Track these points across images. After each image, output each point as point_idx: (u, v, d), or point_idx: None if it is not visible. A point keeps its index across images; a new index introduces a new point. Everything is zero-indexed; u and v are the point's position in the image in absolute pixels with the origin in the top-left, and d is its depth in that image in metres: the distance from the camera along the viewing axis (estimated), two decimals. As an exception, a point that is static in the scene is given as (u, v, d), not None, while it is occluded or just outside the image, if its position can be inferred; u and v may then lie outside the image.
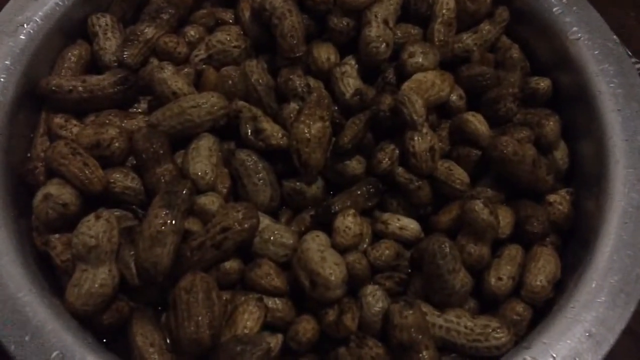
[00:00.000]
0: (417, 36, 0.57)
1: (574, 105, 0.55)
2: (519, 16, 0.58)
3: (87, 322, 0.45)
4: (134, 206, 0.49)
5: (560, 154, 0.54)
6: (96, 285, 0.44)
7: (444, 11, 0.56)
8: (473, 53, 0.57)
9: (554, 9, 0.56)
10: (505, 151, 0.50)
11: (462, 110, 0.55)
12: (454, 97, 0.55)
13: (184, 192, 0.46)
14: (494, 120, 0.54)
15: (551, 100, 0.57)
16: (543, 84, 0.56)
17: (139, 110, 0.54)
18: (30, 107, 0.52)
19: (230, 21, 0.59)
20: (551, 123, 0.53)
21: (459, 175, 0.51)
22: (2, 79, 0.50)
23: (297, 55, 0.53)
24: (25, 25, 0.52)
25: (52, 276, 0.47)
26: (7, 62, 0.51)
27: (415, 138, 0.50)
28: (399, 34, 0.56)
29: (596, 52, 0.54)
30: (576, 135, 0.55)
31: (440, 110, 0.55)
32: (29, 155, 0.51)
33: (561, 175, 0.54)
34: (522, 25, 0.58)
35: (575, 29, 0.55)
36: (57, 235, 0.47)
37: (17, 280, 0.43)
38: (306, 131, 0.49)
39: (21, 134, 0.51)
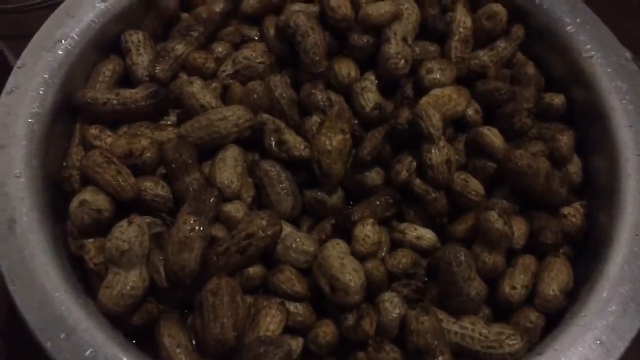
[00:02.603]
0: (434, 53, 0.59)
1: (587, 121, 0.57)
2: (534, 33, 0.60)
3: (118, 322, 0.47)
4: (163, 213, 0.51)
5: (574, 167, 0.56)
6: (127, 288, 0.46)
7: (460, 29, 0.59)
8: (489, 69, 0.59)
9: (568, 28, 0.58)
10: (520, 164, 0.52)
11: (478, 124, 0.57)
12: (470, 112, 0.57)
13: (211, 200, 0.48)
14: (509, 134, 0.56)
15: (565, 115, 0.58)
16: (557, 99, 0.58)
17: (169, 122, 0.56)
18: (66, 118, 0.55)
19: (256, 38, 0.61)
20: (565, 137, 0.55)
21: (475, 186, 0.53)
22: (41, 92, 0.53)
23: (319, 70, 0.55)
24: (62, 41, 0.55)
25: (85, 278, 0.49)
26: (45, 76, 0.53)
27: (432, 151, 0.52)
28: (417, 51, 0.58)
29: (609, 69, 0.56)
30: (589, 150, 0.57)
31: (456, 124, 0.57)
32: (64, 164, 0.54)
33: (575, 188, 0.56)
34: (537, 43, 0.60)
35: (588, 47, 0.57)
36: (90, 240, 0.49)
37: (53, 281, 0.45)
38: (327, 143, 0.52)
39: (57, 143, 0.54)
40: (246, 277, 0.49)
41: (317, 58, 0.55)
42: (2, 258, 0.46)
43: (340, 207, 0.54)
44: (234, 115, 0.52)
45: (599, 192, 0.55)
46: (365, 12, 0.57)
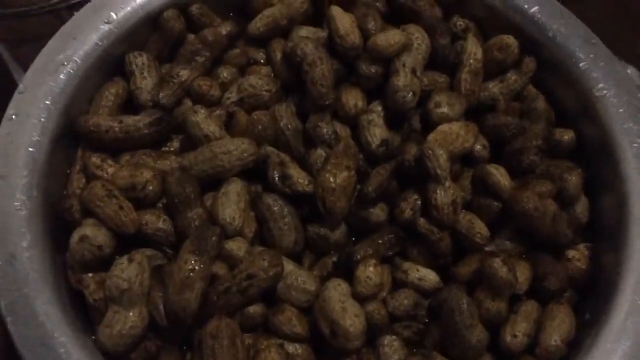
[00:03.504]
0: (443, 84, 0.58)
1: (597, 159, 0.56)
2: (546, 66, 0.59)
3: (117, 360, 0.47)
4: (164, 247, 0.51)
5: (581, 207, 0.55)
6: (127, 327, 0.46)
7: (471, 61, 0.58)
8: (499, 102, 0.58)
9: (581, 64, 0.57)
10: (526, 207, 0.51)
11: (486, 159, 0.56)
12: (478, 147, 0.56)
13: (213, 238, 0.48)
14: (516, 170, 0.55)
15: (575, 150, 0.58)
16: (567, 136, 0.57)
17: (172, 148, 0.56)
18: (68, 143, 0.54)
19: (262, 61, 0.60)
20: (573, 177, 0.54)
21: (480, 228, 0.52)
22: (42, 119, 0.52)
23: (326, 103, 0.54)
24: (65, 64, 0.54)
25: (84, 312, 0.49)
26: (47, 102, 0.52)
27: (438, 191, 0.51)
28: (425, 82, 0.57)
29: (621, 109, 0.55)
30: (597, 189, 0.56)
31: (463, 159, 0.56)
32: (65, 192, 0.53)
33: (581, 229, 0.55)
34: (548, 75, 0.59)
35: (601, 85, 0.56)
36: (90, 275, 0.49)
37: (53, 320, 0.45)
38: (332, 180, 0.51)
39: (59, 169, 0.53)
40: (246, 316, 0.49)
41: (324, 90, 0.54)
42: (1, 295, 0.45)
43: (343, 243, 0.53)
44: (238, 149, 0.52)
45: (605, 233, 0.54)
46: (374, 42, 0.56)
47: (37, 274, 0.47)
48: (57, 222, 0.51)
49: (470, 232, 0.52)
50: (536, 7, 0.59)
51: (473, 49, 0.58)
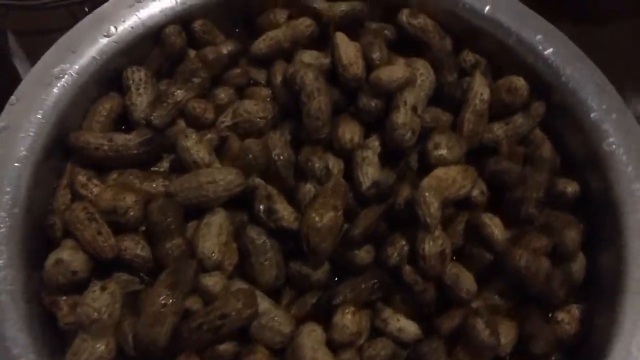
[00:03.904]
0: (446, 122, 0.56)
1: (599, 214, 0.53)
2: (556, 111, 0.56)
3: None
4: (141, 274, 0.50)
5: (577, 265, 0.53)
6: (93, 357, 0.46)
7: (477, 101, 0.55)
8: (502, 145, 0.56)
9: (592, 114, 0.54)
10: (518, 264, 0.49)
11: (482, 206, 0.54)
12: (475, 193, 0.54)
13: (190, 273, 0.47)
14: (514, 219, 0.53)
15: (578, 199, 0.55)
16: (570, 188, 0.54)
17: (161, 169, 0.55)
18: (58, 157, 0.53)
19: (263, 82, 0.59)
20: (572, 233, 0.52)
21: (467, 284, 0.50)
22: (31, 133, 0.51)
23: (321, 137, 0.53)
24: (60, 78, 0.53)
25: (56, 337, 0.49)
26: (38, 116, 0.52)
27: (427, 241, 0.49)
28: (428, 119, 0.55)
29: (630, 168, 0.52)
30: (596, 245, 0.53)
31: (459, 203, 0.54)
32: (50, 206, 0.52)
33: (575, 289, 0.53)
34: (557, 120, 0.56)
35: (611, 139, 0.53)
36: (64, 297, 0.48)
37: (20, 346, 0.45)
38: (317, 220, 0.49)
39: (45, 184, 0.52)
40: (217, 353, 0.48)
41: (319, 124, 0.52)
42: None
43: (324, 282, 0.52)
44: (225, 180, 0.50)
45: (600, 292, 0.52)
46: (377, 76, 0.54)
47: (9, 296, 0.46)
48: (38, 239, 0.51)
49: (456, 285, 0.50)
50: (551, 49, 0.56)
51: (480, 89, 0.55)
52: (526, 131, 0.57)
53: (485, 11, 0.58)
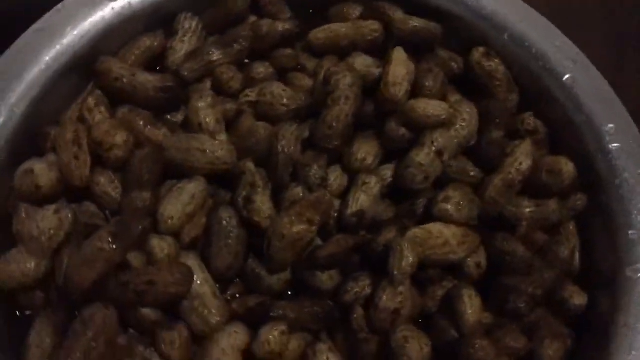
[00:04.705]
0: (471, 179, 0.51)
1: (594, 343, 0.46)
2: (596, 211, 0.49)
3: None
4: (107, 212, 0.50)
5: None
6: (20, 270, 0.46)
7: (512, 169, 0.49)
8: (520, 226, 0.49)
9: (630, 232, 0.47)
10: (474, 356, 0.44)
11: (474, 279, 0.48)
12: (470, 263, 0.48)
13: (137, 229, 0.46)
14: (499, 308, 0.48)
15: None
16: (578, 300, 0.48)
17: (174, 120, 0.54)
18: (82, 74, 0.53)
19: (309, 72, 0.56)
20: (554, 348, 0.46)
21: (412, 353, 0.44)
22: (60, 44, 0.51)
23: (328, 147, 0.49)
24: (114, 1, 0.53)
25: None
26: (75, 32, 0.52)
27: (386, 292, 0.45)
28: (453, 168, 0.50)
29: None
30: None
31: (450, 268, 0.49)
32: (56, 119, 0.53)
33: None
34: (595, 221, 0.50)
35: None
36: (26, 204, 0.48)
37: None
38: (287, 227, 0.46)
39: (59, 96, 0.52)
40: (139, 315, 0.46)
41: (330, 133, 0.49)
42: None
43: (276, 290, 0.48)
44: (214, 153, 0.48)
45: None
46: (413, 105, 0.50)
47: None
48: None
49: (399, 351, 0.45)
50: (617, 145, 0.49)
51: (522, 158, 0.49)
52: (556, 221, 0.50)
53: (564, 79, 0.52)
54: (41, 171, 0.48)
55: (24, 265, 0.46)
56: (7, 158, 0.49)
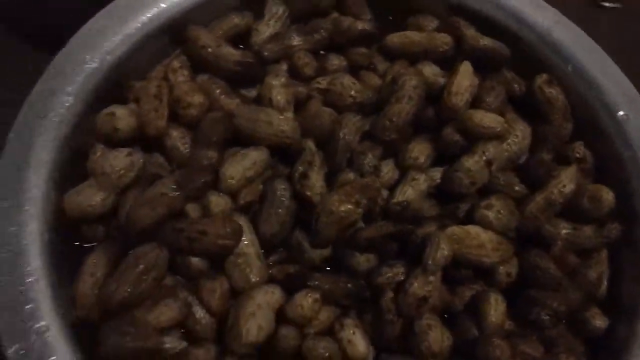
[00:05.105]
0: (515, 194, 0.53)
1: None
2: (628, 243, 0.51)
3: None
4: (174, 165, 0.53)
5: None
6: (88, 202, 0.49)
7: (555, 190, 0.52)
8: (555, 245, 0.52)
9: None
10: (488, 352, 0.46)
11: (502, 286, 0.51)
12: (501, 270, 0.51)
13: (199, 182, 0.49)
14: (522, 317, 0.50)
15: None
16: (599, 322, 0.50)
17: (249, 95, 0.57)
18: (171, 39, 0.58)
19: (380, 72, 0.59)
20: (568, 361, 0.48)
21: (433, 340, 0.47)
22: (150, 13, 0.56)
23: (383, 138, 0.53)
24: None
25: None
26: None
27: (418, 279, 0.48)
28: (501, 180, 0.53)
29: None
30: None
31: (483, 273, 0.52)
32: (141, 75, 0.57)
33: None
34: (625, 252, 0.51)
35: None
36: (102, 145, 0.53)
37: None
38: (335, 205, 0.49)
39: (147, 54, 0.57)
40: (186, 263, 0.50)
41: (388, 124, 0.52)
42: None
43: (315, 263, 0.51)
44: (279, 127, 0.52)
45: None
46: (470, 114, 0.53)
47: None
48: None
49: (421, 336, 0.48)
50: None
51: (566, 181, 0.52)
52: (589, 246, 0.52)
53: (618, 115, 0.54)
54: (122, 115, 0.52)
55: (92, 197, 0.50)
56: (91, 102, 0.54)
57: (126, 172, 0.50)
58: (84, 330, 0.47)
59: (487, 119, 0.52)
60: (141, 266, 0.47)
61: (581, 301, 0.50)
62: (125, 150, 0.51)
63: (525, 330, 0.50)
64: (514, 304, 0.50)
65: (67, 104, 0.52)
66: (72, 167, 0.51)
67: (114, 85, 0.55)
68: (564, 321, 0.50)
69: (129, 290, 0.46)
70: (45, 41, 0.56)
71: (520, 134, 0.53)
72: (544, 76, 0.57)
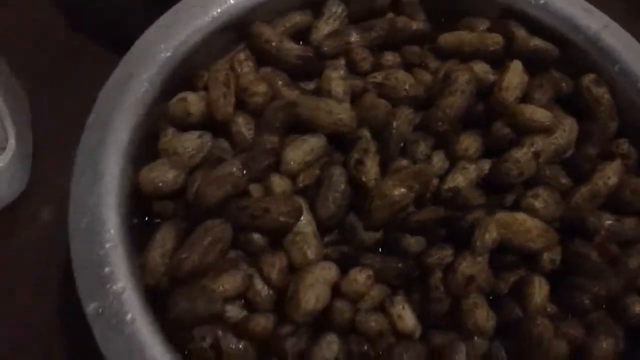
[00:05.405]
0: (561, 186, 0.55)
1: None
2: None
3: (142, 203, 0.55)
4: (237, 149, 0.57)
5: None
6: (158, 179, 0.53)
7: (600, 182, 0.54)
8: (598, 235, 0.54)
9: None
10: (532, 329, 0.49)
11: (545, 272, 0.53)
12: (545, 257, 0.53)
13: (263, 163, 0.53)
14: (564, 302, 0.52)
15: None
16: (639, 310, 0.52)
17: (307, 87, 0.61)
18: (236, 34, 0.62)
19: (431, 70, 0.62)
20: (606, 344, 0.49)
21: (479, 318, 0.50)
22: (217, 11, 0.60)
23: (437, 129, 0.56)
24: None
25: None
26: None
27: (466, 260, 0.51)
28: (547, 173, 0.55)
29: None
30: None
31: (528, 261, 0.54)
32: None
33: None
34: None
35: None
36: (172, 129, 0.57)
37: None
38: (389, 188, 0.53)
39: (213, 47, 0.61)
40: (249, 238, 0.53)
41: (441, 115, 0.55)
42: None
43: (367, 244, 0.54)
44: (338, 116, 0.55)
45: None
46: (518, 110, 0.55)
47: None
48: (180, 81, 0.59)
49: (468, 314, 0.50)
50: None
51: (610, 174, 0.54)
52: (631, 238, 0.54)
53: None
54: (193, 100, 0.56)
55: (164, 174, 0.54)
56: (161, 89, 0.58)
57: (197, 153, 0.54)
58: (155, 296, 0.51)
59: (537, 114, 0.55)
60: (209, 238, 0.51)
61: (622, 288, 0.52)
62: (196, 133, 0.55)
63: (566, 315, 0.52)
64: (556, 291, 0.53)
65: (142, 89, 0.56)
66: (147, 148, 0.56)
67: (184, 74, 0.59)
68: (604, 307, 0.52)
69: (198, 259, 0.50)
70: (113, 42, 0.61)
71: (567, 128, 0.56)
72: (592, 76, 0.59)
